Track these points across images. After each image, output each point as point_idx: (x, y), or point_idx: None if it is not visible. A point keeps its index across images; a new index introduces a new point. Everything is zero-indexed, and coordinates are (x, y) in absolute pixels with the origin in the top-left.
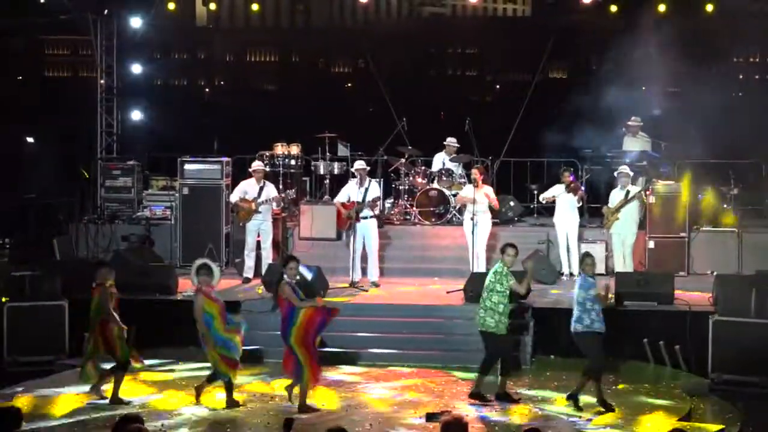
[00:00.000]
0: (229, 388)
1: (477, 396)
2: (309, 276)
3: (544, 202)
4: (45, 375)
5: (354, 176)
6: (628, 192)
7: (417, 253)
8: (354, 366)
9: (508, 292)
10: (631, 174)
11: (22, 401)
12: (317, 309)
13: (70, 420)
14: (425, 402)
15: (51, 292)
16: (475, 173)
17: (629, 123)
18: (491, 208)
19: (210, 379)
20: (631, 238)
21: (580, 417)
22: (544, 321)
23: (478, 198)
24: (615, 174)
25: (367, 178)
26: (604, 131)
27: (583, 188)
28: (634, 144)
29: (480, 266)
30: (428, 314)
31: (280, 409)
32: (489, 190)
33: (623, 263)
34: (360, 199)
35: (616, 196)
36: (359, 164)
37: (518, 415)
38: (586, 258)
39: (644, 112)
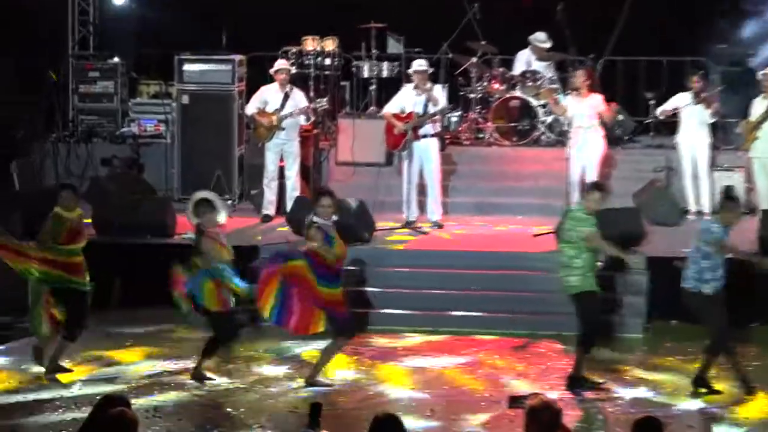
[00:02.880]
0: (212, 348)
1: (575, 381)
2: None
3: (662, 116)
4: None
5: (410, 80)
6: None
7: (493, 183)
8: (408, 334)
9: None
10: None
11: None
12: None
13: (28, 398)
14: (504, 381)
15: (8, 233)
16: (579, 77)
17: None
18: (603, 124)
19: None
20: None
21: (711, 403)
22: (663, 275)
23: (584, 110)
24: (758, 77)
25: (428, 83)
26: (744, 20)
27: (716, 98)
28: None
29: None
30: (508, 265)
31: (310, 392)
32: (598, 99)
33: None
34: (419, 111)
35: (758, 107)
36: (418, 65)
37: (625, 401)
38: (727, 202)
39: None
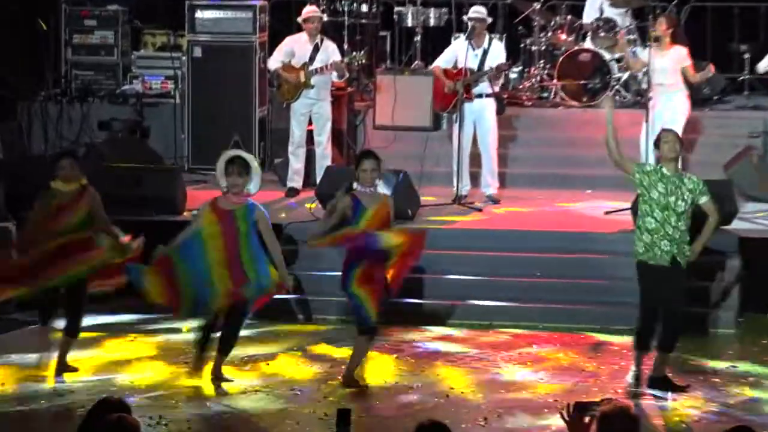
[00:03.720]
0: (206, 337)
1: (655, 383)
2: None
3: (763, 72)
4: None
5: (462, 30)
6: None
7: (559, 152)
8: (457, 327)
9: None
10: None
11: None
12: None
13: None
14: (571, 384)
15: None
16: (660, 26)
17: None
18: (687, 82)
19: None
20: None
21: None
22: (759, 260)
23: (666, 65)
24: None
25: (485, 35)
26: None
27: None
28: None
29: None
30: (576, 247)
31: (341, 395)
32: (682, 52)
33: None
34: (473, 67)
35: None
36: (475, 11)
37: (714, 409)
38: None
39: None
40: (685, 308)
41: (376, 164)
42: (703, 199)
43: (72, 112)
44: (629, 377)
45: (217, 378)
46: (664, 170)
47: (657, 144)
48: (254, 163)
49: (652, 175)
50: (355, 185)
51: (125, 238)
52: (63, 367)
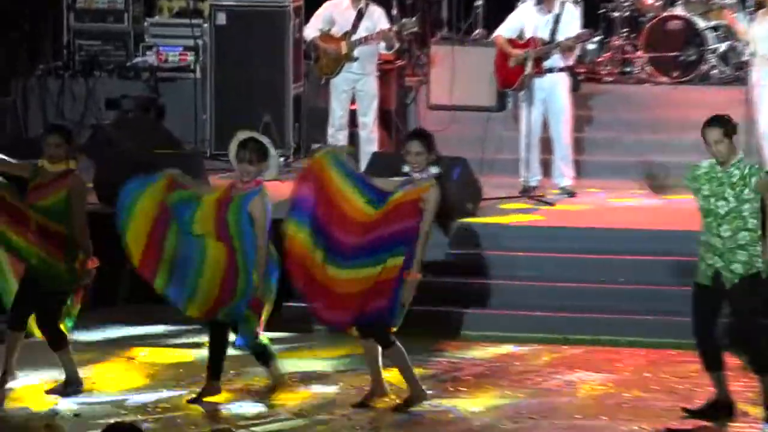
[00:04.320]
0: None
1: None
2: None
3: None
4: None
5: None
6: None
7: (644, 136)
8: (525, 344)
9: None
10: None
11: None
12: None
13: None
14: (660, 410)
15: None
16: None
17: None
18: None
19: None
20: None
21: None
22: None
23: None
24: None
25: (557, 0)
26: None
27: None
28: None
29: None
30: (667, 248)
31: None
32: None
33: None
34: (544, 37)
35: None
36: None
37: None
38: None
39: None
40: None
41: (423, 146)
42: (753, 182)
43: (75, 89)
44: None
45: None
46: (718, 168)
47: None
48: (272, 148)
49: (701, 179)
50: (405, 168)
51: (91, 263)
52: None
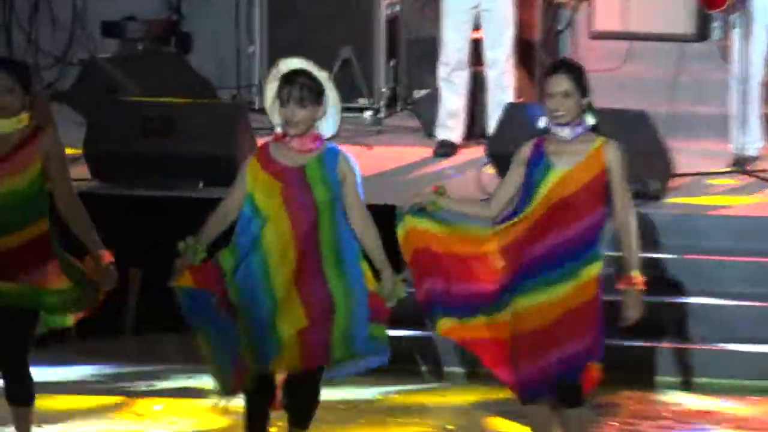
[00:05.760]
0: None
1: None
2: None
3: None
4: None
5: None
6: None
7: None
8: (735, 392)
9: None
10: None
11: None
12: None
13: None
14: None
15: None
16: None
17: None
18: None
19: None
20: None
21: None
22: None
23: None
24: None
25: None
26: None
27: None
28: None
29: None
30: None
31: None
32: None
33: None
34: None
35: None
36: None
37: None
38: None
39: None
40: None
41: (574, 84)
42: None
43: (57, 8)
44: None
45: None
46: None
47: None
48: (330, 85)
49: None
50: (542, 123)
51: (104, 256)
52: None
